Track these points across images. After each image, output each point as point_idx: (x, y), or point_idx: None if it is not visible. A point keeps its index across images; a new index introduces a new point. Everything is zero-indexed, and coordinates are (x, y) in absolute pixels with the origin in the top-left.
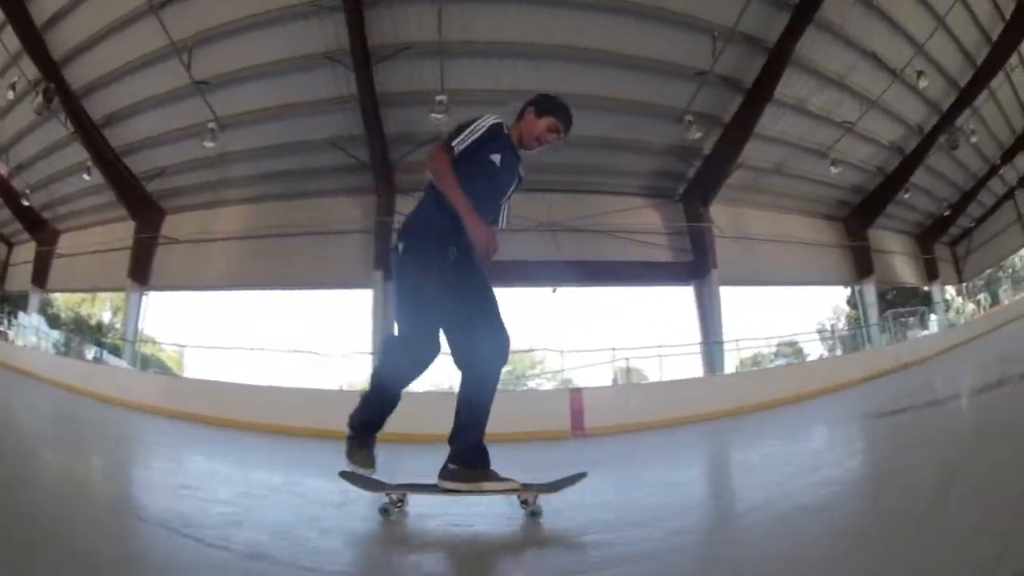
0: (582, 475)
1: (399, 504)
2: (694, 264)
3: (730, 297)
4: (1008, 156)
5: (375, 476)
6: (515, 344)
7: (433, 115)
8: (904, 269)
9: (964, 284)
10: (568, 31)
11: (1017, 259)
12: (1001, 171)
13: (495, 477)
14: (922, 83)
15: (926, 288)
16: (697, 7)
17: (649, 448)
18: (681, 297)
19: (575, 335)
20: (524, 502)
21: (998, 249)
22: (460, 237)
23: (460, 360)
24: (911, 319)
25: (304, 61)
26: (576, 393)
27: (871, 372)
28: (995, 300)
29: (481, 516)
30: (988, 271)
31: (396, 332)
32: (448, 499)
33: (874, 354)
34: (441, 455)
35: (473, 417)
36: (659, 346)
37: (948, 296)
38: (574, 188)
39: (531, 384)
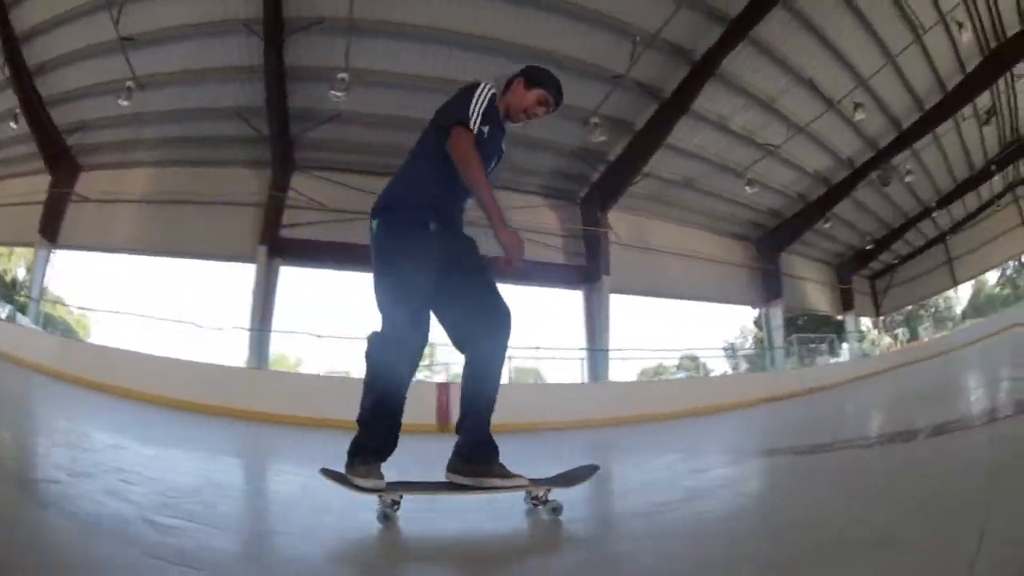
0: (595, 468)
1: (396, 507)
2: (586, 269)
3: (625, 306)
4: (944, 202)
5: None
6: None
7: (333, 92)
8: (817, 296)
9: (881, 318)
10: (482, 20)
11: (942, 300)
12: (935, 215)
13: (503, 473)
14: (858, 115)
15: (840, 317)
16: (621, 8)
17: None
18: (570, 301)
19: None
20: (536, 499)
21: (920, 288)
22: (440, 212)
23: (459, 337)
24: (821, 345)
25: (223, 27)
26: (443, 387)
27: (772, 394)
28: (914, 336)
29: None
30: (909, 307)
31: (380, 326)
32: (449, 498)
33: (776, 376)
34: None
35: (477, 404)
36: (539, 348)
37: (864, 327)
38: None
39: (420, 375)
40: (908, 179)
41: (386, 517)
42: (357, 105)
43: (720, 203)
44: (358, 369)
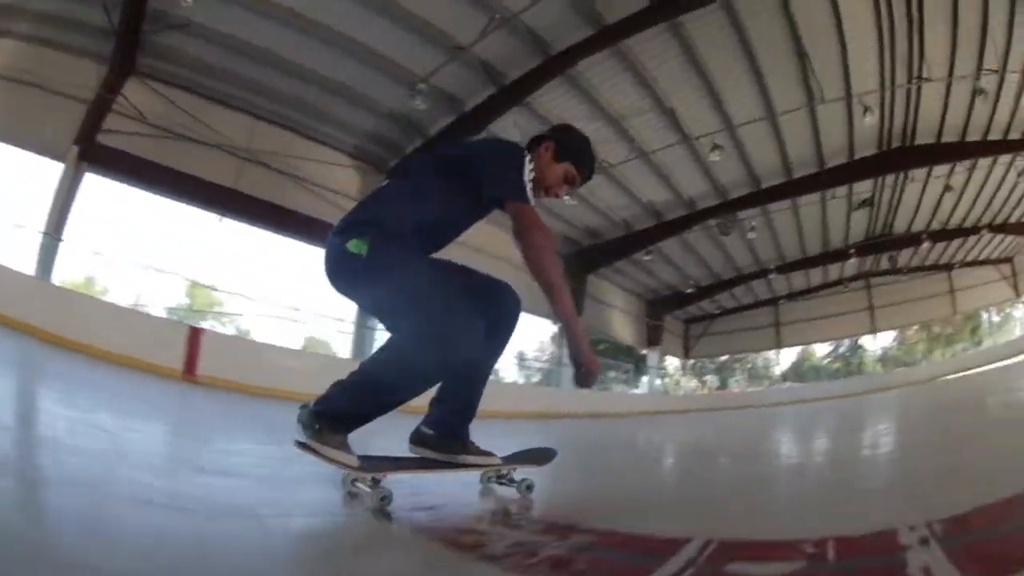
0: (553, 452)
1: (386, 501)
2: None
3: None
4: (786, 269)
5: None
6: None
7: (184, 2)
8: (622, 326)
9: (691, 361)
10: None
11: (761, 358)
12: (770, 277)
13: (476, 450)
14: (713, 156)
15: (643, 351)
16: None
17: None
18: None
19: (255, 283)
20: (501, 477)
21: (739, 342)
22: (428, 244)
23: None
24: (619, 374)
25: None
26: (196, 332)
27: (547, 410)
28: (723, 385)
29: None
30: (724, 357)
31: (413, 334)
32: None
33: (558, 393)
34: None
35: (472, 384)
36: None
37: (668, 366)
38: (280, 121)
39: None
40: (751, 235)
41: (382, 513)
42: (207, 19)
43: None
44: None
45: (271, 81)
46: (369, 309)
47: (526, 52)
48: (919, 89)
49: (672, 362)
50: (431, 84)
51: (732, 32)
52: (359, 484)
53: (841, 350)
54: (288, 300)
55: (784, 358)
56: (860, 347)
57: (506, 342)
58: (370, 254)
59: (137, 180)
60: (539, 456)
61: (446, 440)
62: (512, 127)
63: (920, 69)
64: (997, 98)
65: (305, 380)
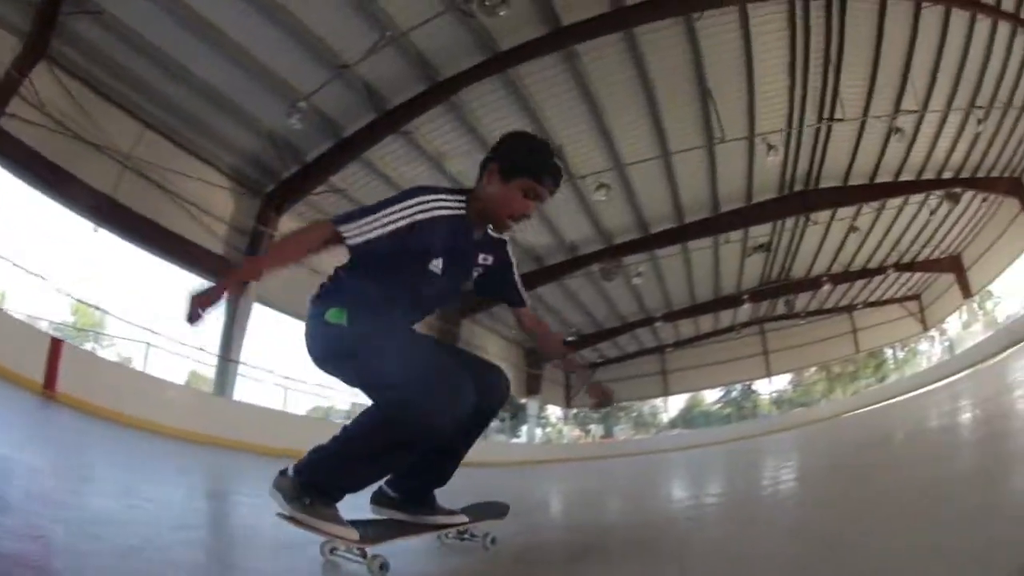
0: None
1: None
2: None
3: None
4: (673, 316)
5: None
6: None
7: None
8: None
9: (573, 410)
10: None
11: (647, 406)
12: (656, 325)
13: (443, 509)
14: (598, 196)
15: (522, 400)
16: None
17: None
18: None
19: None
20: (463, 533)
21: (622, 391)
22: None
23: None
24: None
25: None
26: (58, 344)
27: None
28: (608, 433)
29: None
30: (607, 408)
31: (389, 392)
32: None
33: None
34: None
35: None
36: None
37: (553, 415)
38: (166, 131)
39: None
40: (636, 281)
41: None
42: (118, 9)
43: None
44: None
45: (163, 86)
46: (356, 383)
47: (413, 76)
48: (830, 129)
49: (554, 411)
50: (312, 104)
51: (631, 65)
52: (340, 552)
53: (733, 395)
54: (170, 330)
55: (672, 405)
56: (753, 391)
57: (490, 421)
58: (351, 324)
59: (25, 172)
60: (496, 509)
61: (414, 503)
62: None
63: (833, 110)
64: (913, 139)
65: (176, 414)
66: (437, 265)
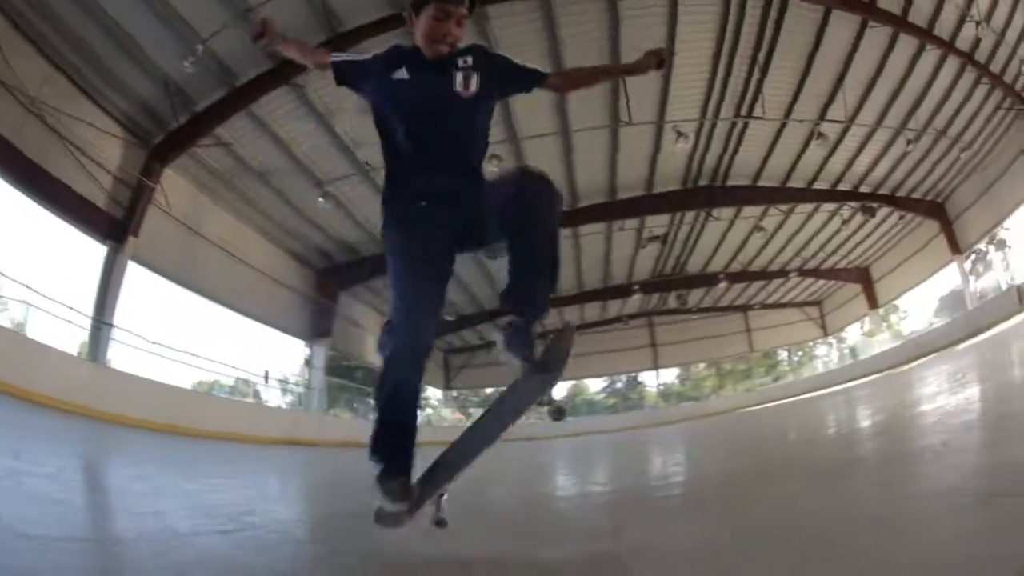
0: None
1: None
2: (120, 223)
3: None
4: (559, 303)
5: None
6: None
7: None
8: (371, 348)
9: (453, 392)
10: None
11: None
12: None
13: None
14: (489, 167)
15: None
16: None
17: None
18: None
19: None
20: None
21: (502, 376)
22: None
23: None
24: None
25: None
26: None
27: (291, 437)
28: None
29: None
30: (490, 390)
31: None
32: None
33: (305, 419)
34: None
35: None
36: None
37: (433, 397)
38: (70, 71)
39: None
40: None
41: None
42: None
43: (291, 214)
44: None
45: (76, 21)
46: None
47: (313, 27)
48: (746, 126)
49: (433, 393)
50: (208, 48)
51: (543, 34)
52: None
53: (618, 385)
54: (66, 297)
55: (555, 392)
56: (639, 382)
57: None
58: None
59: None
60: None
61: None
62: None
63: (752, 107)
64: (834, 149)
65: (23, 373)
66: (402, 72)
